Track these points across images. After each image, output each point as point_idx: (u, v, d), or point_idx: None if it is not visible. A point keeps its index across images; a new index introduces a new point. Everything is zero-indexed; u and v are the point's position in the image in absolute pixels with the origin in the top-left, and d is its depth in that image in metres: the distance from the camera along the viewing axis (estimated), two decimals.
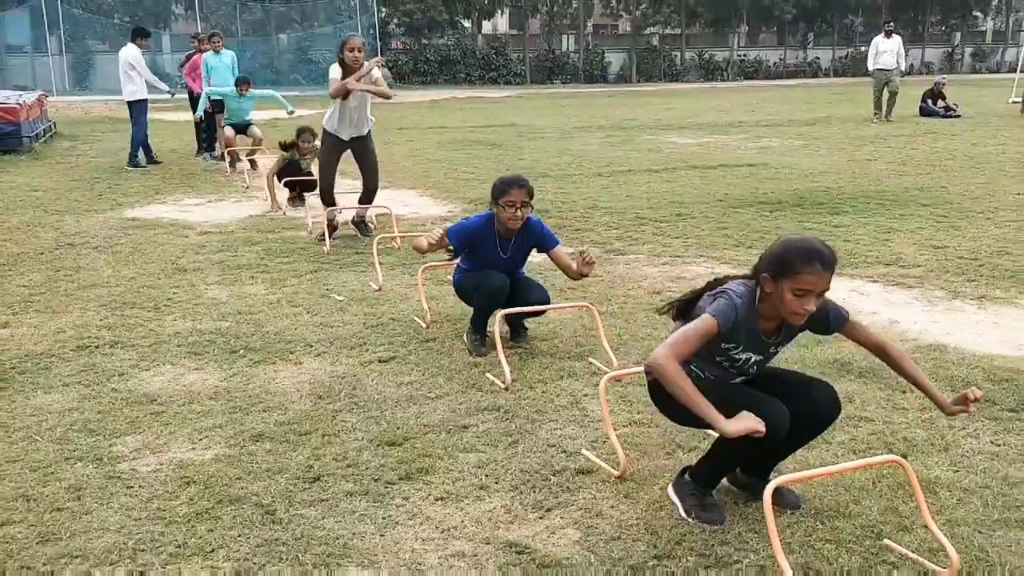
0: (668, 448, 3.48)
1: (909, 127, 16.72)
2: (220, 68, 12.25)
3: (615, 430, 3.41)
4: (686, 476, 3.02)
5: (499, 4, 42.40)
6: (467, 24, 43.39)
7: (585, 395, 4.01)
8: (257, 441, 3.55)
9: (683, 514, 2.92)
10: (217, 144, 12.48)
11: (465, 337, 4.68)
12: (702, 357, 2.91)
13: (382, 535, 2.87)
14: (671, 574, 2.63)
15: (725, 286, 2.88)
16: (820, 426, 3.00)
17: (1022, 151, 12.84)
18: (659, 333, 4.85)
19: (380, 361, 4.46)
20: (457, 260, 4.77)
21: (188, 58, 13.67)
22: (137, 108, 11.95)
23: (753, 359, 2.92)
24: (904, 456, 3.30)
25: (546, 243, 4.65)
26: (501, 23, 50.17)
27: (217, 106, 12.03)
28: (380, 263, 6.06)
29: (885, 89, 18.10)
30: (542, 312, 4.74)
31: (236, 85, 11.52)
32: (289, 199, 8.88)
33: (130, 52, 11.92)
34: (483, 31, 46.35)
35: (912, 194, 9.12)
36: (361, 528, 2.91)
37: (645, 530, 2.88)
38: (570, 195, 9.45)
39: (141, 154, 12.14)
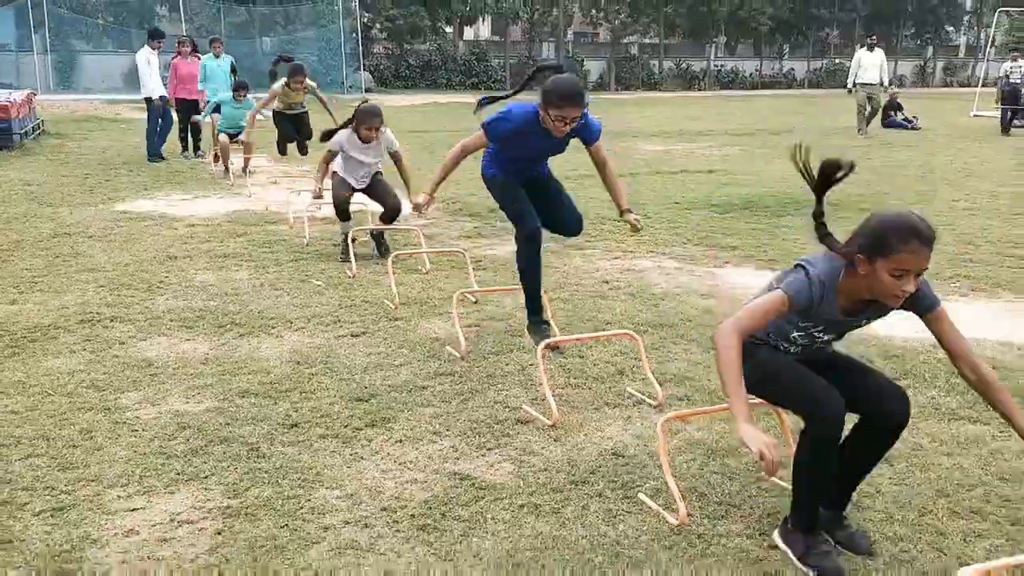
0: (596, 405, 4.07)
1: (870, 139, 17.43)
2: (218, 73, 12.85)
3: (552, 391, 4.00)
4: (789, 525, 2.87)
5: (481, 11, 43.01)
6: (449, 30, 44.00)
7: (531, 365, 4.58)
8: (243, 397, 4.12)
9: (795, 561, 2.78)
10: (202, 145, 13.03)
11: (530, 334, 4.70)
12: (778, 331, 2.85)
13: (349, 467, 3.44)
14: (585, 495, 3.22)
15: (806, 259, 2.73)
16: (887, 441, 2.84)
17: (969, 162, 13.57)
18: (603, 316, 5.46)
19: (352, 335, 5.03)
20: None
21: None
22: (151, 104, 12.74)
23: (828, 338, 2.85)
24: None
25: (589, 135, 4.35)
26: (483, 30, 50.83)
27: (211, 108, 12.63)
28: (355, 253, 6.62)
29: (868, 104, 17.99)
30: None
31: (234, 91, 11.66)
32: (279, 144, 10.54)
33: (140, 53, 12.88)
34: (465, 37, 46.99)
35: (853, 200, 9.75)
36: (331, 462, 3.48)
37: (567, 464, 3.46)
38: None
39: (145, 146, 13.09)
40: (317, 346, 4.84)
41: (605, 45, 48.25)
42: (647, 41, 48.35)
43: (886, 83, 18.11)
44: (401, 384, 4.30)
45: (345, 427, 3.79)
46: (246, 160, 11.30)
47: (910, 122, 20.03)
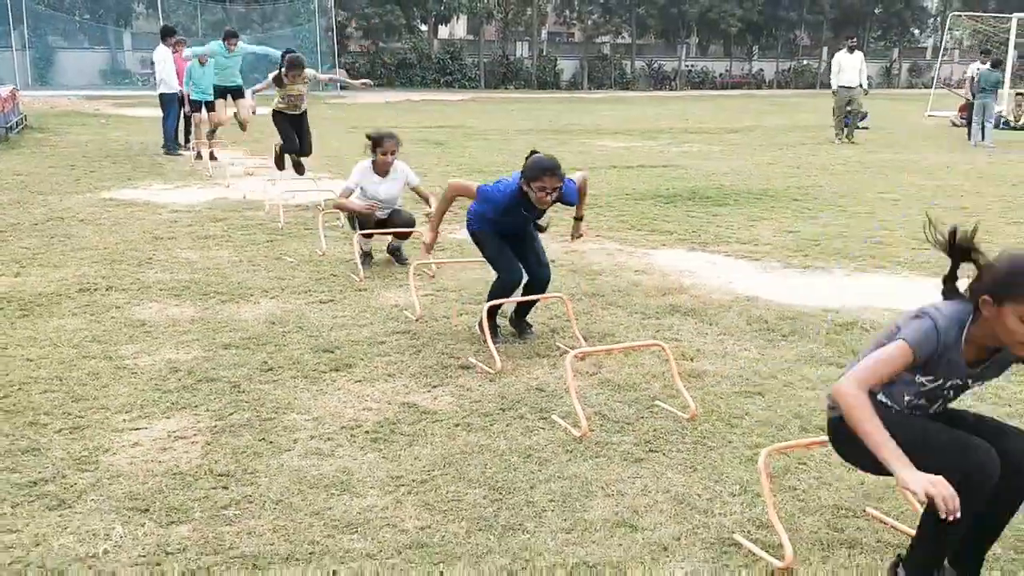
0: (528, 355, 4.79)
1: (822, 137, 18.23)
2: (204, 78, 13.37)
3: (496, 344, 4.71)
4: (899, 571, 2.65)
5: (455, 10, 43.67)
6: (424, 29, 44.61)
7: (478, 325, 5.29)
8: (226, 348, 4.80)
9: None
10: (192, 140, 13.62)
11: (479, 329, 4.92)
12: (889, 395, 2.62)
13: (315, 399, 4.14)
14: (510, 417, 3.94)
15: (928, 305, 2.51)
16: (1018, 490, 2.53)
17: (911, 159, 14.43)
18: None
19: (321, 302, 5.73)
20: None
21: None
22: (166, 100, 13.48)
23: (949, 384, 2.57)
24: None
25: (571, 199, 4.88)
26: (459, 28, 51.49)
27: (195, 106, 13.24)
28: (325, 235, 7.30)
29: (848, 108, 17.32)
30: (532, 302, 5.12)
31: (224, 39, 11.71)
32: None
33: (156, 51, 13.74)
34: (440, 36, 47.61)
35: (790, 191, 10.58)
36: (300, 395, 4.18)
37: (498, 396, 4.18)
38: None
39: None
40: (290, 310, 5.53)
41: (579, 45, 49.06)
42: (620, 41, 49.20)
43: (864, 85, 17.58)
44: (363, 339, 5.00)
45: (313, 371, 4.49)
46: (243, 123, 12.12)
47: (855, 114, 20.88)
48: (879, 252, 7.35)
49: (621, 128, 20.27)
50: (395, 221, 6.81)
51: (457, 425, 3.86)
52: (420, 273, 6.27)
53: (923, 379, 2.54)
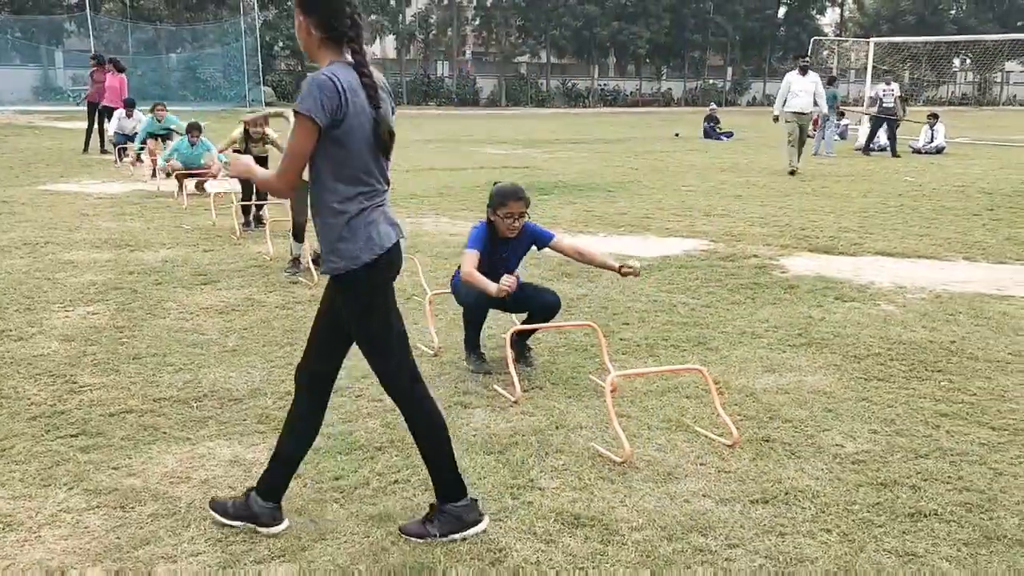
0: None
1: (688, 146, 20.84)
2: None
3: (315, 268, 6.92)
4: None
5: (379, 31, 45.92)
6: None
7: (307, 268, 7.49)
8: (130, 274, 6.95)
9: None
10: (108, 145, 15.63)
11: (467, 363, 4.93)
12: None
13: (187, 299, 6.31)
14: (311, 305, 6.16)
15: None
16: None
17: (739, 163, 17.01)
18: None
19: (204, 251, 7.90)
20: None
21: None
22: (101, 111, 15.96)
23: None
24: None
25: (542, 241, 4.85)
26: (389, 48, 53.67)
27: (107, 113, 15.30)
28: (217, 213, 9.46)
29: (799, 134, 15.05)
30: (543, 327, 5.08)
31: (187, 132, 11.51)
32: (244, 224, 9.16)
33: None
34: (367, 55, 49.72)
35: (610, 185, 13.01)
36: (178, 295, 6.35)
37: (310, 295, 6.41)
38: None
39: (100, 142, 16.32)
40: (180, 254, 7.70)
41: (499, 64, 51.66)
42: (538, 61, 51.94)
43: (824, 110, 16.20)
44: (228, 270, 7.19)
45: (189, 284, 6.68)
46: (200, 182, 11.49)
47: (725, 135, 23.64)
48: (640, 223, 9.75)
49: (511, 139, 22.67)
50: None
51: (277, 307, 6.09)
52: (275, 229, 8.42)
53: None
